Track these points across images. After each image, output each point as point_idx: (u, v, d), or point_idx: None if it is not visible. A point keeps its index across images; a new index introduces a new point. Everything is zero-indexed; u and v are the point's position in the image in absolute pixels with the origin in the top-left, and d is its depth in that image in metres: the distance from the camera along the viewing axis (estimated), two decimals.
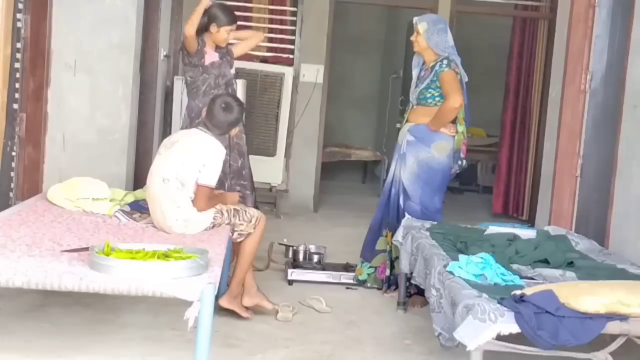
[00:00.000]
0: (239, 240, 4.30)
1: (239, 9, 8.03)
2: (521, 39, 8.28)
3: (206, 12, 5.10)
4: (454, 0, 7.92)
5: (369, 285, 5.12)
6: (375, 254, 5.11)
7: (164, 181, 4.13)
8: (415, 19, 4.96)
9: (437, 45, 4.85)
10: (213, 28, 5.10)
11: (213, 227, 4.19)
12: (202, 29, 5.13)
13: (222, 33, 5.12)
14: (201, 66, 5.15)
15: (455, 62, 4.85)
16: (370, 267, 5.12)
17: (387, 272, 5.04)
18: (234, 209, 4.30)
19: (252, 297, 4.40)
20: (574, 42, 6.00)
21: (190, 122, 5.14)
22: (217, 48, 5.23)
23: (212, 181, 4.16)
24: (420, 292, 4.78)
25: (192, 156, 4.15)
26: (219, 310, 4.17)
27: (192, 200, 4.14)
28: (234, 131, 4.45)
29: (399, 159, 5.03)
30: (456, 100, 4.73)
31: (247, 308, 4.36)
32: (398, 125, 5.19)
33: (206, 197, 4.15)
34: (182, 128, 5.27)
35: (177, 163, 4.14)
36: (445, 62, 4.82)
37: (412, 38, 4.95)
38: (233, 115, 4.27)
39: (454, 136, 4.89)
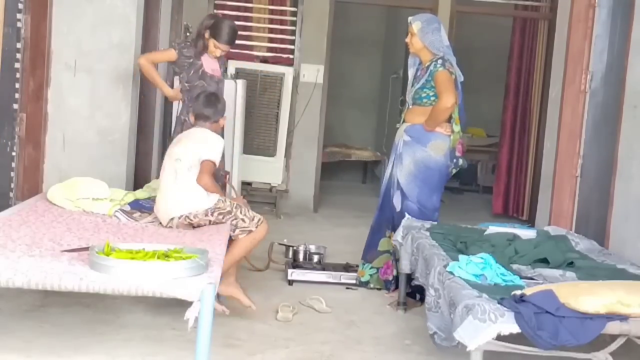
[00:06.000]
0: (240, 236, 4.33)
1: (239, 9, 8.06)
2: (521, 39, 8.28)
3: (213, 17, 5.28)
4: (454, 0, 7.92)
5: (371, 286, 5.11)
6: (377, 255, 5.11)
7: (176, 161, 4.36)
8: (409, 19, 4.96)
9: (432, 44, 4.84)
10: (207, 33, 5.17)
11: (214, 213, 4.27)
12: (201, 34, 5.22)
13: (210, 43, 5.20)
14: (198, 72, 5.20)
15: (450, 62, 4.85)
16: (372, 267, 5.12)
17: (394, 272, 5.03)
18: (237, 204, 4.40)
19: (228, 286, 4.31)
20: (574, 42, 6.00)
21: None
22: (219, 60, 5.32)
23: (216, 157, 4.38)
24: (410, 294, 4.79)
25: (196, 142, 4.44)
26: (219, 298, 4.18)
27: (197, 177, 4.31)
28: (223, 121, 4.71)
29: (396, 159, 5.03)
30: (448, 100, 4.73)
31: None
32: (398, 125, 5.19)
33: (210, 172, 4.34)
34: None
35: (187, 146, 4.42)
36: (440, 61, 4.82)
37: (407, 40, 4.95)
38: (220, 103, 4.66)
39: (449, 135, 4.89)
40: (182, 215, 4.27)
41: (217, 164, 4.45)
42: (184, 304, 3.01)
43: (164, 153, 4.95)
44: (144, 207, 4.52)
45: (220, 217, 4.30)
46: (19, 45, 4.93)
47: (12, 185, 5.04)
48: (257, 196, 7.63)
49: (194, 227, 4.32)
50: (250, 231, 4.33)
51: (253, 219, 4.35)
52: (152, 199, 4.63)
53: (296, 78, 7.96)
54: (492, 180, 9.00)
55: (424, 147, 4.89)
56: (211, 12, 7.88)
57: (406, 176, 4.94)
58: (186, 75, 5.27)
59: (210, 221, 4.31)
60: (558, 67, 6.34)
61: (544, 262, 4.01)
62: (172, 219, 4.29)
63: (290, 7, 8.14)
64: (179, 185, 4.30)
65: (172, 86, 6.60)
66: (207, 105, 4.60)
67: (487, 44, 10.48)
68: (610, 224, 4.98)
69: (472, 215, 7.95)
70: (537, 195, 7.04)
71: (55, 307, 4.18)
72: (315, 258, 5.52)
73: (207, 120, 4.57)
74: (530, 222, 6.93)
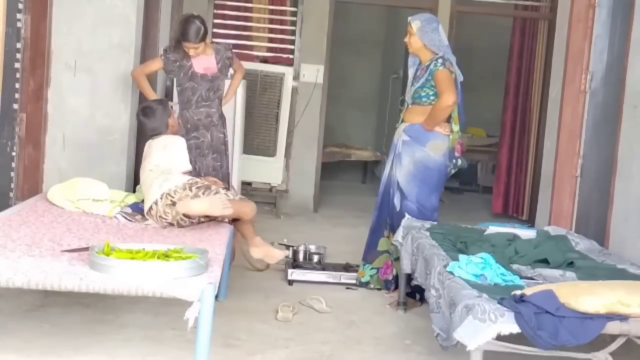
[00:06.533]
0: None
1: (239, 9, 8.05)
2: (521, 39, 8.28)
3: (181, 18, 5.39)
4: (454, 0, 7.92)
5: (371, 286, 5.11)
6: (376, 255, 5.11)
7: (150, 171, 4.54)
8: (409, 18, 4.96)
9: (432, 42, 4.84)
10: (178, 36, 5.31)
11: (192, 188, 4.39)
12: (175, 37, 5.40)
13: (182, 44, 5.23)
14: (187, 74, 5.23)
15: (450, 62, 4.84)
16: (372, 268, 5.12)
17: (394, 272, 5.03)
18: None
19: (257, 247, 4.56)
20: (574, 42, 6.00)
21: (186, 132, 5.18)
22: (216, 55, 5.34)
23: (185, 163, 4.64)
24: (410, 294, 4.79)
25: (159, 150, 4.67)
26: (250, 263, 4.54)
27: None
28: (173, 120, 4.85)
29: (395, 159, 5.03)
30: (449, 99, 4.73)
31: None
32: (397, 125, 5.20)
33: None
34: None
35: (155, 156, 4.64)
36: (440, 61, 4.81)
37: (406, 39, 4.94)
38: (158, 109, 4.81)
39: (449, 135, 4.89)
40: (162, 194, 4.36)
41: (189, 164, 4.69)
42: (184, 304, 3.02)
43: None
44: (144, 210, 4.51)
45: (200, 192, 4.39)
46: (19, 45, 4.92)
47: (12, 185, 5.04)
48: (257, 196, 7.62)
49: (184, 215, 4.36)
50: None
51: (236, 197, 4.55)
52: None
53: (296, 78, 7.95)
54: (492, 180, 8.99)
55: (423, 147, 4.89)
56: (211, 12, 7.89)
57: (405, 176, 4.94)
58: (177, 79, 5.35)
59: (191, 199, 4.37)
60: (558, 67, 6.34)
61: (544, 262, 4.01)
62: (155, 202, 4.36)
63: (290, 7, 8.13)
64: (158, 178, 4.48)
65: (170, 90, 6.67)
66: (150, 120, 4.78)
67: (487, 44, 10.48)
68: (610, 224, 4.98)
69: (472, 215, 7.95)
70: (537, 195, 7.04)
71: (55, 307, 4.18)
72: (315, 258, 5.51)
73: (160, 132, 4.76)
74: (530, 222, 6.93)
